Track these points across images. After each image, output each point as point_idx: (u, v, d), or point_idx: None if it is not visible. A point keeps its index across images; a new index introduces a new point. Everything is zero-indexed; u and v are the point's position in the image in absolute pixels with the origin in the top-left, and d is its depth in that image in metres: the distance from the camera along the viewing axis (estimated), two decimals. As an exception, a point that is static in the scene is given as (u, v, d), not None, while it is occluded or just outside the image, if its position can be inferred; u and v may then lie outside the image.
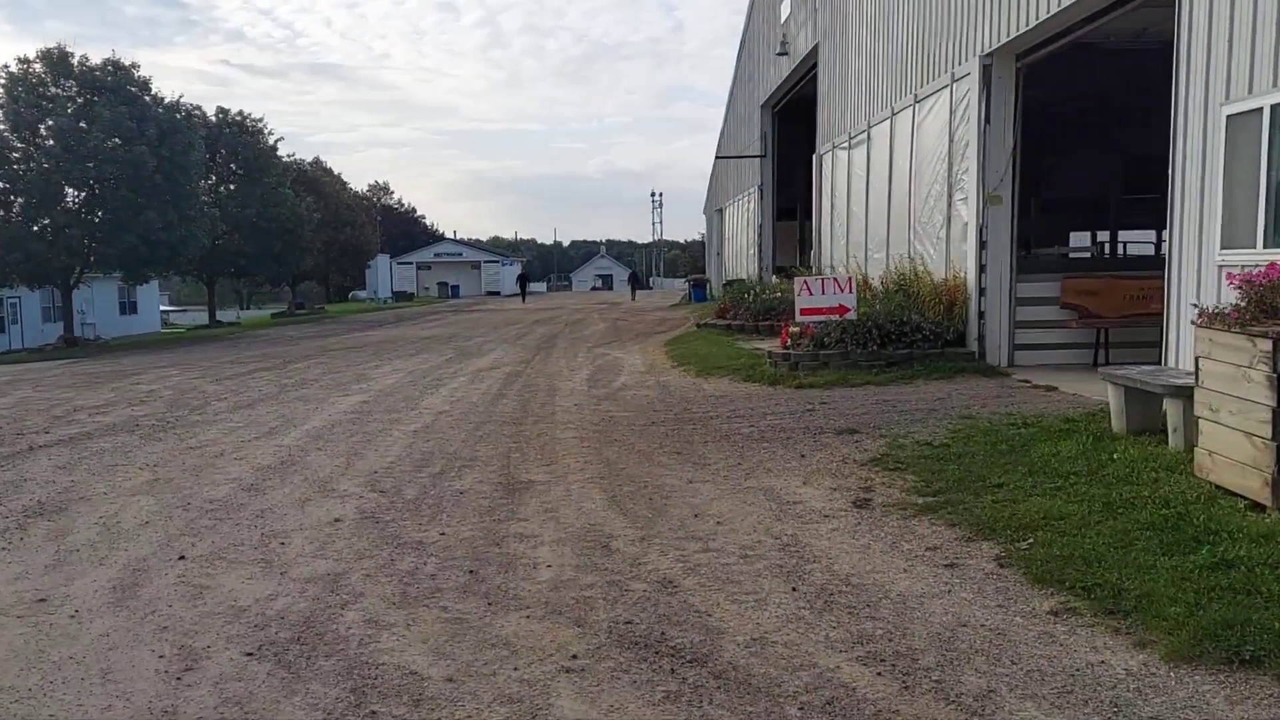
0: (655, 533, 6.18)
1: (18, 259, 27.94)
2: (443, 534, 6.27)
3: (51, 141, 28.17)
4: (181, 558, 5.89)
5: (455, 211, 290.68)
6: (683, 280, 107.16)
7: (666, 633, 4.57)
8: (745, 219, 32.45)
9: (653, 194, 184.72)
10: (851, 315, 12.51)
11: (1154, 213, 24.23)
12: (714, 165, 41.66)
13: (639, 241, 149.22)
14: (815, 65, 22.50)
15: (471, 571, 5.51)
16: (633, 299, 53.61)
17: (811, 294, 12.55)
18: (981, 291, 12.41)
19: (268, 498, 7.40)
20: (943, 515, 6.24)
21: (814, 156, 21.45)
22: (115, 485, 7.98)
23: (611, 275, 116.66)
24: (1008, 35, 11.64)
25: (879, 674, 4.09)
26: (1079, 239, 25.61)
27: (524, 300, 58.43)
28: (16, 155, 28.45)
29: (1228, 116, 7.78)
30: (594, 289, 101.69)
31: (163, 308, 57.38)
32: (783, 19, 25.08)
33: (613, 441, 9.23)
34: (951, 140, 13.13)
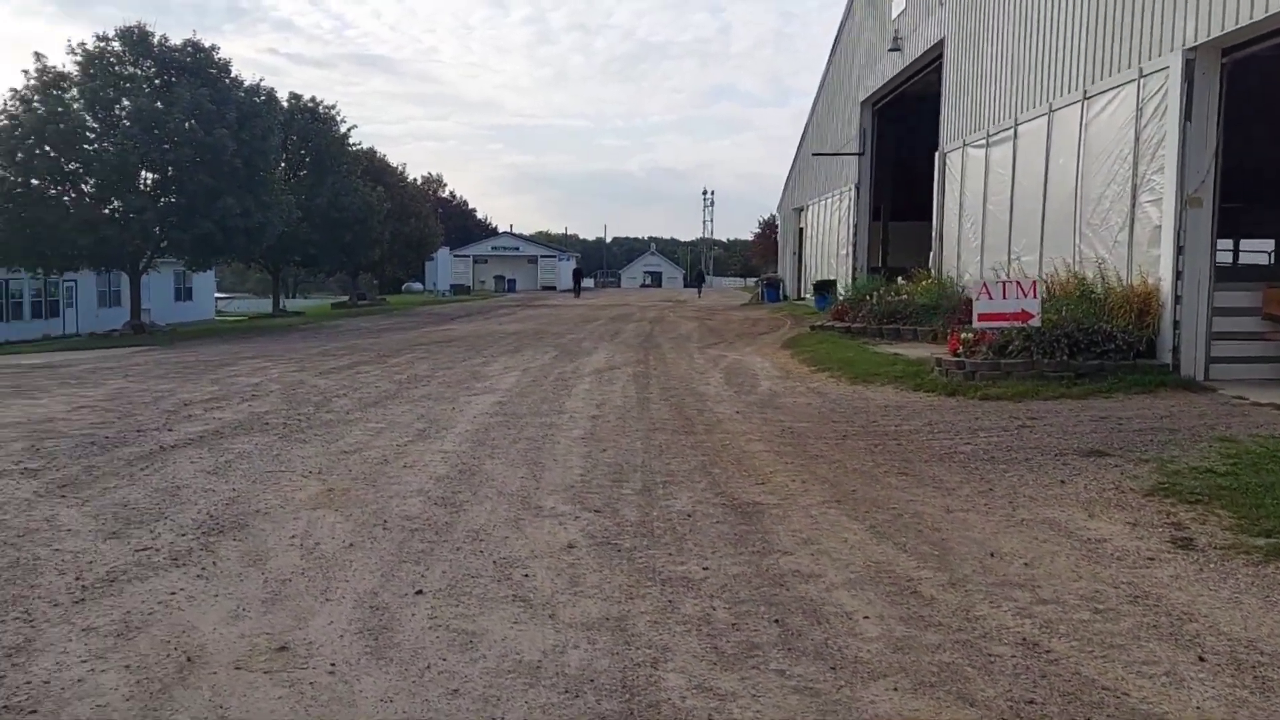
0: (961, 576, 5.23)
1: (89, 242, 27.19)
2: (706, 569, 5.36)
3: (128, 122, 27.50)
4: (419, 592, 5.02)
5: (498, 205, 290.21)
6: (733, 279, 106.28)
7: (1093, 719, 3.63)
8: (835, 218, 31.33)
9: (704, 192, 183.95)
10: (1035, 322, 11.46)
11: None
12: (794, 162, 40.56)
13: (682, 239, 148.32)
14: (934, 62, 21.42)
15: (777, 621, 4.59)
16: (698, 296, 52.83)
17: (991, 298, 11.50)
18: (1177, 299, 11.32)
19: (470, 515, 6.53)
20: (1302, 563, 5.24)
21: (937, 154, 20.34)
22: (287, 497, 7.15)
23: (660, 272, 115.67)
24: (1220, 29, 10.55)
25: None
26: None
27: (577, 296, 57.72)
28: (91, 135, 27.77)
29: None
30: (643, 286, 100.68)
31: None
32: (894, 14, 23.96)
33: (814, 457, 8.29)
34: (1138, 139, 12.03)
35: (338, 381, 14.56)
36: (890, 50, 23.62)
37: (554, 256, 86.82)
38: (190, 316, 44.00)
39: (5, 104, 27.00)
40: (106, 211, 27.51)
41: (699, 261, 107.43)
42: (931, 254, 20.19)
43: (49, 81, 27.74)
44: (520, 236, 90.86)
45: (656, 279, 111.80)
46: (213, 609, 4.83)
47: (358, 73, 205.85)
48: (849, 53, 30.00)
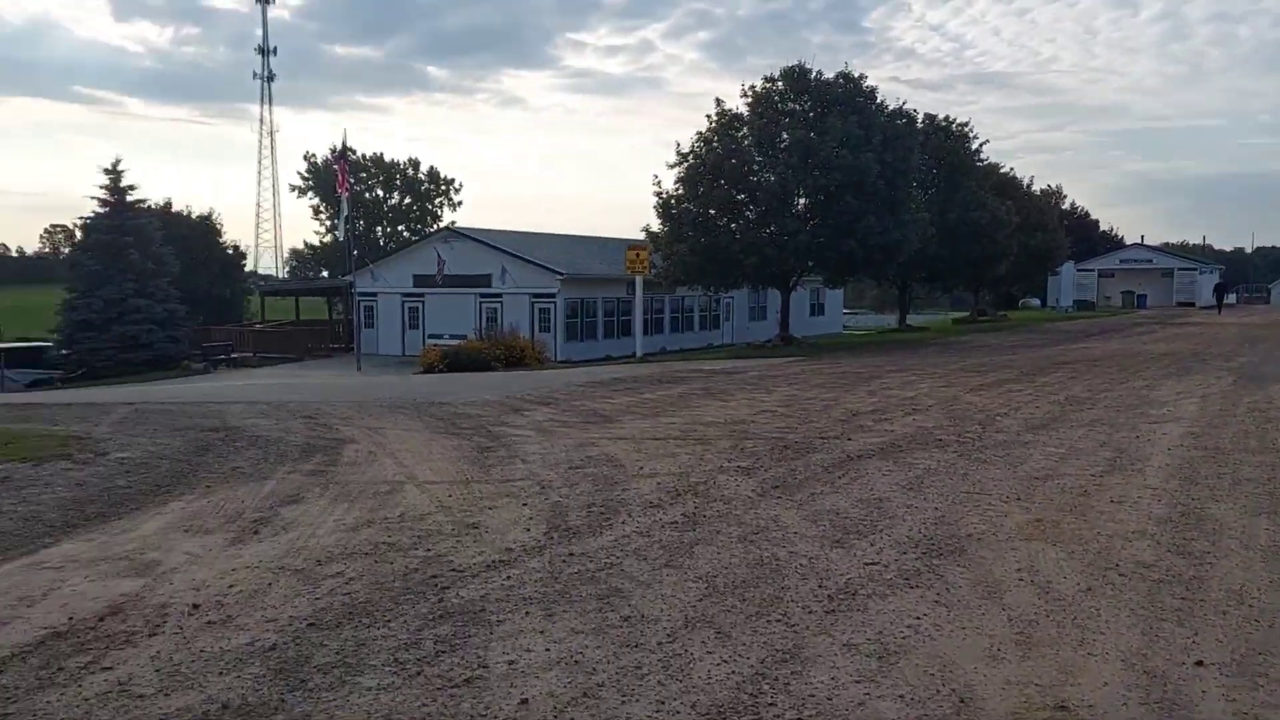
0: None
1: (752, 263, 30.24)
2: None
3: (787, 153, 30.01)
4: (1199, 663, 4.34)
5: (1117, 215, 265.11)
6: None
7: None
8: None
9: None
10: None
11: None
12: None
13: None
14: None
15: None
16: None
17: None
18: None
19: (1220, 570, 5.63)
20: None
21: None
22: (994, 523, 6.85)
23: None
24: None
25: None
26: None
27: (1219, 312, 50.74)
28: (756, 167, 30.81)
29: None
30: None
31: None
32: None
33: None
34: None
35: (991, 399, 14.09)
36: None
37: (1192, 269, 76.94)
38: (821, 330, 46.85)
39: (692, 146, 31.21)
40: (765, 235, 30.40)
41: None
42: None
43: (725, 123, 31.46)
44: (1151, 248, 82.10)
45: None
46: (965, 643, 4.64)
47: (972, 92, 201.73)
48: None
